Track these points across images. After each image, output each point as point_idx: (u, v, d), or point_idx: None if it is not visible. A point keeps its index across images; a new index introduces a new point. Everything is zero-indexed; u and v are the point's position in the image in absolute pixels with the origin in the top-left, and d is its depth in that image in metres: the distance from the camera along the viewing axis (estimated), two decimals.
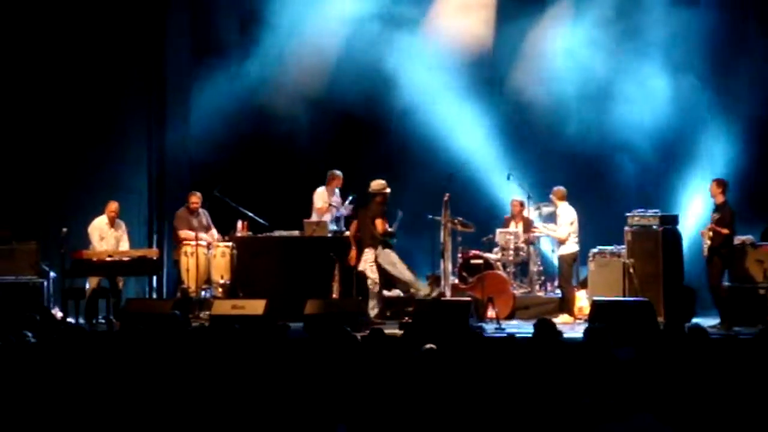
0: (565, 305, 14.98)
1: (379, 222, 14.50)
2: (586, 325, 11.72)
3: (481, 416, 6.60)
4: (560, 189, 15.31)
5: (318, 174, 16.13)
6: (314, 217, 15.58)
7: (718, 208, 14.04)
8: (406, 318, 13.83)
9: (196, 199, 15.62)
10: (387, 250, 14.56)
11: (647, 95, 16.68)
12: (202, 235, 15.40)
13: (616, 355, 8.35)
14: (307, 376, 7.59)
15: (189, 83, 17.59)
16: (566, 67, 17.06)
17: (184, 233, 15.41)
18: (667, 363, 8.05)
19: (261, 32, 17.37)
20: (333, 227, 15.56)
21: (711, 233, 13.90)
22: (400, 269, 14.56)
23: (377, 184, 14.64)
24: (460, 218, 15.16)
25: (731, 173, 15.42)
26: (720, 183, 14.14)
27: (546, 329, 9.88)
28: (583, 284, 15.23)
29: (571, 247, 15.08)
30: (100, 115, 16.60)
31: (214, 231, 15.64)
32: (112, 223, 15.19)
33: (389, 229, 14.57)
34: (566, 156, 16.93)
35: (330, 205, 15.70)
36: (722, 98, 16.54)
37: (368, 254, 14.53)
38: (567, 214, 15.17)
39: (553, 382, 7.19)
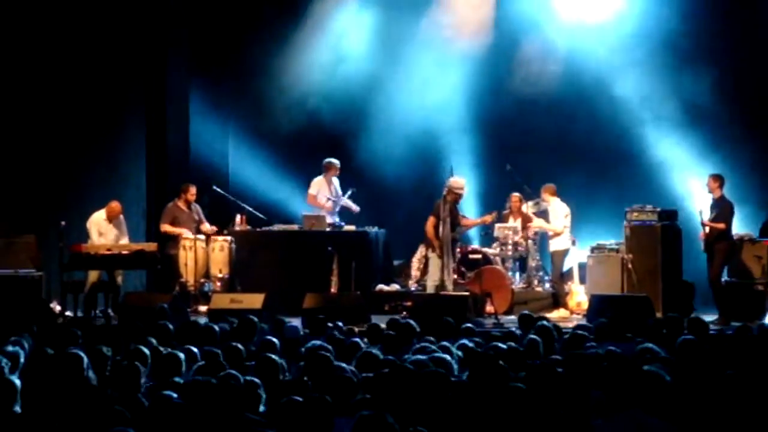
0: (561, 300, 15.01)
1: (430, 220, 14.34)
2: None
3: (474, 411, 6.59)
4: (550, 185, 15.38)
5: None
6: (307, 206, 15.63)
7: (716, 203, 14.04)
8: (404, 312, 13.83)
9: (194, 190, 15.58)
10: (436, 262, 14.31)
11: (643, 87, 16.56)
12: (188, 234, 15.28)
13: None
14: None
15: (189, 79, 17.56)
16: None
17: (164, 227, 15.39)
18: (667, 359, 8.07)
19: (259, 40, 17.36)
20: (335, 219, 15.57)
21: (707, 229, 13.92)
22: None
23: (453, 181, 14.47)
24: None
25: (731, 168, 15.29)
26: (717, 178, 14.13)
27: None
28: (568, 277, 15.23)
29: (564, 243, 15.13)
30: (99, 107, 16.55)
31: (206, 225, 15.54)
32: (110, 220, 15.17)
33: (438, 235, 14.18)
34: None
35: (328, 199, 15.71)
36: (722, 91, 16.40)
37: (420, 250, 14.63)
38: (560, 209, 15.22)
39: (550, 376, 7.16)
